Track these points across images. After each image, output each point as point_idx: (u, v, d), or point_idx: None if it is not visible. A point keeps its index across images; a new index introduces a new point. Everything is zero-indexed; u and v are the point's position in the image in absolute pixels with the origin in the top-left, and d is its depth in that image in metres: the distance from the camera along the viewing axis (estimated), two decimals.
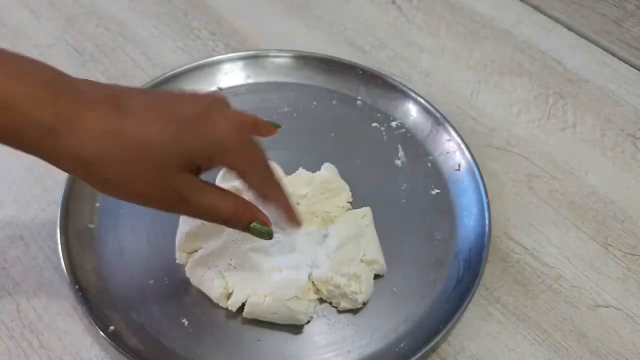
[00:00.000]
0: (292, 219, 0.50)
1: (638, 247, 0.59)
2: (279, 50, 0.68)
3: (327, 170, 0.58)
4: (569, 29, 0.75)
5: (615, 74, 0.71)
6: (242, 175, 0.48)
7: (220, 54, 0.70)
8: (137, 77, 0.68)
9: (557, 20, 0.76)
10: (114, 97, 0.43)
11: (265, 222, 0.48)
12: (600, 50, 0.73)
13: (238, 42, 0.72)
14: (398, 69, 0.70)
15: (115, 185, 0.44)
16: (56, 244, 0.56)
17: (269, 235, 0.49)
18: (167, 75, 0.65)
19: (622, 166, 0.64)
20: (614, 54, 0.73)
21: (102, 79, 0.68)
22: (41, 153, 0.42)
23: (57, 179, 0.60)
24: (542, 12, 0.77)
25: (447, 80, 0.70)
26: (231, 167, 0.47)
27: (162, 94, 0.46)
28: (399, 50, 0.72)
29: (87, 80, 0.44)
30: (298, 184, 0.56)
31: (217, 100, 0.47)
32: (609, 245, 0.59)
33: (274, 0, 0.77)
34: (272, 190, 0.49)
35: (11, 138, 0.41)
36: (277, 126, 0.51)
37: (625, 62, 0.72)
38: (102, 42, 0.72)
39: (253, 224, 0.48)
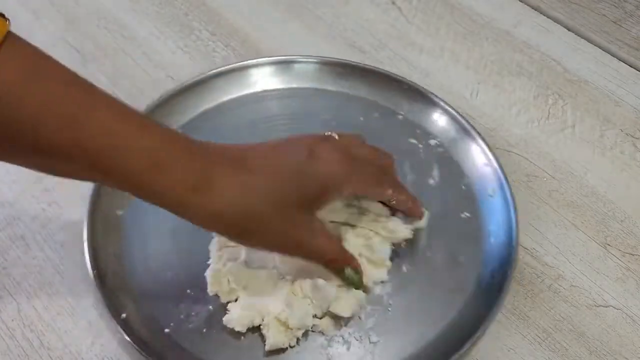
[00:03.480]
0: (417, 212, 0.56)
1: (637, 246, 0.59)
2: (324, 57, 0.67)
3: None
4: (569, 29, 0.75)
5: (614, 74, 0.71)
6: (364, 196, 0.54)
7: (221, 55, 0.71)
8: (138, 77, 0.69)
9: (557, 21, 0.76)
10: (239, 156, 0.47)
11: (358, 270, 0.52)
12: (600, 50, 0.74)
13: (238, 42, 0.72)
14: (398, 69, 0.70)
15: (250, 236, 0.47)
16: (56, 243, 0.56)
17: (358, 284, 0.52)
18: (207, 74, 0.65)
19: (621, 166, 0.64)
20: (613, 54, 0.73)
21: (103, 79, 0.68)
22: (182, 211, 0.44)
23: (57, 179, 0.60)
24: (542, 12, 0.77)
25: (446, 80, 0.70)
26: (350, 195, 0.53)
27: (275, 146, 0.50)
28: (398, 51, 0.72)
29: (212, 143, 0.47)
30: None
31: (318, 138, 0.51)
32: (609, 245, 0.59)
33: (274, 1, 0.77)
34: (397, 193, 0.54)
35: (155, 196, 0.44)
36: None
37: (625, 62, 0.72)
38: (103, 42, 0.72)
39: (347, 270, 0.51)
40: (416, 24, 0.75)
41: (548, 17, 0.76)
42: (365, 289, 0.53)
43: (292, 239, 0.48)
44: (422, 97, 0.65)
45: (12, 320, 0.53)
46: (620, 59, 0.73)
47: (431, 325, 0.53)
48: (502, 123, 0.67)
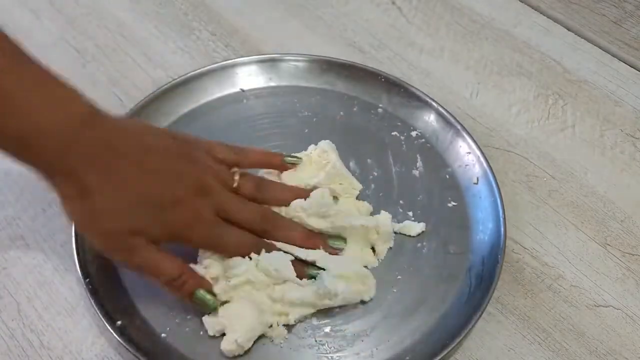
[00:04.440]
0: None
1: (637, 246, 0.59)
2: (301, 55, 0.68)
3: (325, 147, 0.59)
4: (569, 29, 0.75)
5: (614, 74, 0.71)
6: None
7: (222, 55, 0.71)
8: (138, 77, 0.69)
9: (556, 21, 0.76)
10: (109, 160, 0.46)
11: (211, 290, 0.50)
12: (600, 50, 0.74)
13: (238, 42, 0.72)
14: (398, 69, 0.70)
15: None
16: (56, 243, 0.56)
17: (213, 306, 0.50)
18: (189, 75, 0.65)
19: (621, 166, 0.64)
20: (613, 54, 0.73)
21: (102, 79, 0.68)
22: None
23: None
24: (541, 12, 0.77)
25: (446, 80, 0.70)
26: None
27: (160, 160, 0.49)
28: (398, 51, 0.73)
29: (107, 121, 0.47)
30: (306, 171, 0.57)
31: (203, 186, 0.50)
32: (608, 245, 0.59)
33: (274, 1, 0.77)
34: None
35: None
36: (296, 161, 0.57)
37: (625, 62, 0.73)
38: (103, 42, 0.72)
39: (197, 292, 0.49)
40: (416, 24, 0.75)
41: (548, 17, 0.76)
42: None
43: (121, 248, 0.48)
44: (400, 89, 0.65)
45: (12, 320, 0.53)
46: (620, 59, 0.73)
47: (427, 315, 0.53)
48: (502, 123, 0.67)
